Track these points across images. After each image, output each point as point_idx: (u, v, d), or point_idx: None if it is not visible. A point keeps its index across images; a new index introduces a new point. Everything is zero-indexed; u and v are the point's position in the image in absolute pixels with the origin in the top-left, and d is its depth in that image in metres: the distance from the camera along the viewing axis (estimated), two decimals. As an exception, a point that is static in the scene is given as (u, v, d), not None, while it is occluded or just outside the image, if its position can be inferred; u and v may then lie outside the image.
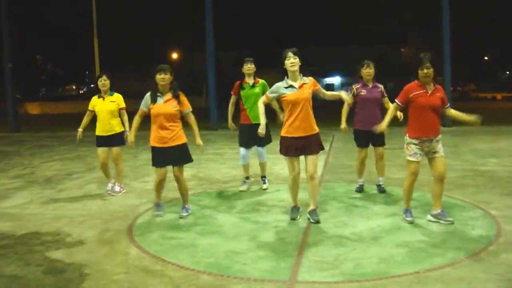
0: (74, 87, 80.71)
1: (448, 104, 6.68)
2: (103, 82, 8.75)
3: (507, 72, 79.28)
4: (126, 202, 8.29)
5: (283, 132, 6.83)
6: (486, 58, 76.15)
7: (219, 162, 12.36)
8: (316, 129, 6.85)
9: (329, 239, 6.08)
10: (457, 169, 10.49)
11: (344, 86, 57.40)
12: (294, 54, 6.71)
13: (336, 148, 14.77)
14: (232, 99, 8.81)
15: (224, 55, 47.35)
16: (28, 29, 49.00)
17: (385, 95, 8.30)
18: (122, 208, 7.91)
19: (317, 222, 6.72)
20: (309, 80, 6.85)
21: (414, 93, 6.53)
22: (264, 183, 8.96)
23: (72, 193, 9.17)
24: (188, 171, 10.96)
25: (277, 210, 7.47)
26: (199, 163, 12.27)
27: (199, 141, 7.32)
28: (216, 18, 22.85)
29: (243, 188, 8.90)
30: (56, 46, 55.39)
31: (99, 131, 8.84)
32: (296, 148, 6.77)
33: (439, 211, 6.68)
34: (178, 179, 7.25)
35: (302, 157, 6.87)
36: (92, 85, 64.60)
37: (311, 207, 6.94)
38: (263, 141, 8.59)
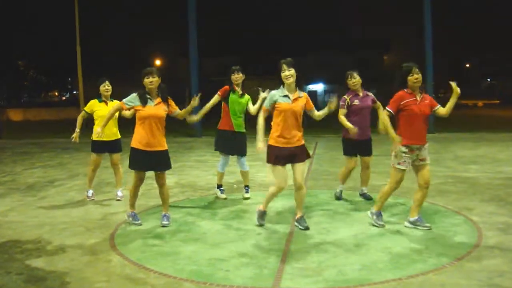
0: (56, 93, 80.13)
1: (438, 106, 6.75)
2: (107, 87, 8.65)
3: (488, 80, 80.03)
4: (108, 209, 8.24)
5: (272, 142, 6.71)
6: (467, 65, 76.88)
7: (202, 169, 12.35)
8: (302, 141, 6.79)
9: (311, 246, 6.09)
10: (439, 176, 10.56)
11: (327, 93, 57.56)
12: (288, 65, 6.60)
13: (319, 155, 14.82)
14: (215, 99, 8.50)
15: (208, 61, 47.39)
16: (10, 34, 48.66)
17: (376, 100, 8.22)
18: (104, 215, 7.86)
19: (306, 228, 6.77)
20: (304, 95, 6.75)
21: (405, 101, 6.55)
22: (247, 192, 8.86)
23: (54, 200, 9.09)
24: (170, 178, 10.94)
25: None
26: (182, 170, 12.26)
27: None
28: (199, 24, 22.85)
29: (223, 196, 8.85)
30: (38, 52, 55.00)
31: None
32: (284, 157, 6.67)
33: (416, 217, 6.75)
34: (162, 185, 7.16)
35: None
36: (74, 92, 64.21)
37: (299, 214, 6.95)
38: (244, 151, 8.57)
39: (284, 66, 6.61)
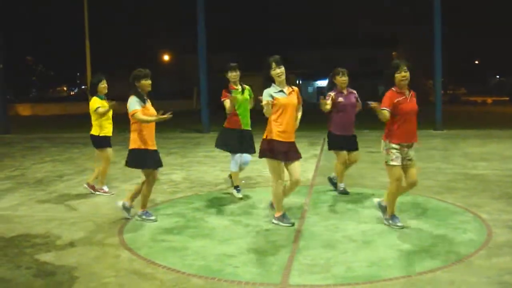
0: (65, 88, 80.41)
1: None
2: (105, 84, 8.81)
3: (497, 77, 79.64)
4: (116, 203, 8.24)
5: (273, 136, 6.65)
6: (476, 62, 76.51)
7: (210, 165, 12.35)
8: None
9: (320, 242, 6.08)
10: (447, 173, 10.52)
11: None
12: (278, 63, 6.61)
13: (327, 151, 14.76)
14: (226, 104, 8.20)
15: (216, 57, 47.37)
16: (18, 29, 48.84)
17: (359, 100, 8.44)
18: (113, 210, 7.85)
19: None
20: (295, 89, 6.79)
21: (397, 99, 6.46)
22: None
23: (63, 195, 9.12)
24: (178, 173, 10.98)
25: (268, 213, 7.44)
26: (190, 166, 12.28)
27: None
28: (207, 21, 22.82)
29: (240, 195, 8.57)
30: (47, 47, 55.22)
31: (109, 131, 8.91)
32: (282, 152, 6.64)
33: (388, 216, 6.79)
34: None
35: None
36: (83, 87, 64.42)
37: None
38: (254, 148, 8.46)
39: (274, 64, 6.61)
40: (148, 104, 7.09)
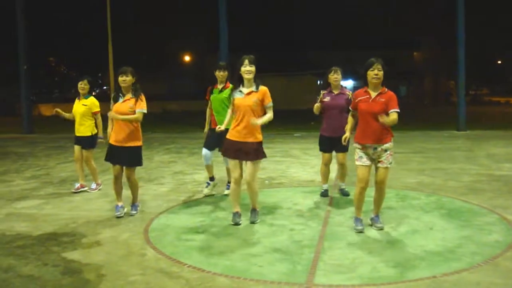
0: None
1: (393, 109, 6.25)
2: (83, 85, 9.32)
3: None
4: (142, 203, 8.29)
5: (228, 134, 6.94)
6: (499, 62, 75.61)
7: (232, 165, 12.36)
8: (258, 138, 6.81)
9: (344, 242, 6.08)
10: (472, 174, 10.44)
11: (356, 88, 57.12)
12: (251, 62, 6.74)
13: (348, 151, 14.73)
14: (208, 104, 8.67)
15: (237, 57, 47.43)
16: (42, 30, 49.28)
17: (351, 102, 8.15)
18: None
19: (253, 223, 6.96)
20: (261, 89, 6.77)
21: (359, 98, 6.47)
22: (227, 188, 8.86)
23: (88, 194, 9.21)
24: (202, 173, 10.99)
25: (293, 213, 7.46)
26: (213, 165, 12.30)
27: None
28: (229, 20, 22.84)
29: (206, 191, 8.80)
30: (69, 48, 55.61)
31: (76, 131, 9.49)
32: (234, 151, 6.82)
33: (373, 215, 6.73)
34: (128, 179, 7.53)
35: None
36: (104, 87, 64.98)
37: (251, 207, 7.16)
38: None
39: (247, 61, 6.76)
40: (120, 100, 7.34)
